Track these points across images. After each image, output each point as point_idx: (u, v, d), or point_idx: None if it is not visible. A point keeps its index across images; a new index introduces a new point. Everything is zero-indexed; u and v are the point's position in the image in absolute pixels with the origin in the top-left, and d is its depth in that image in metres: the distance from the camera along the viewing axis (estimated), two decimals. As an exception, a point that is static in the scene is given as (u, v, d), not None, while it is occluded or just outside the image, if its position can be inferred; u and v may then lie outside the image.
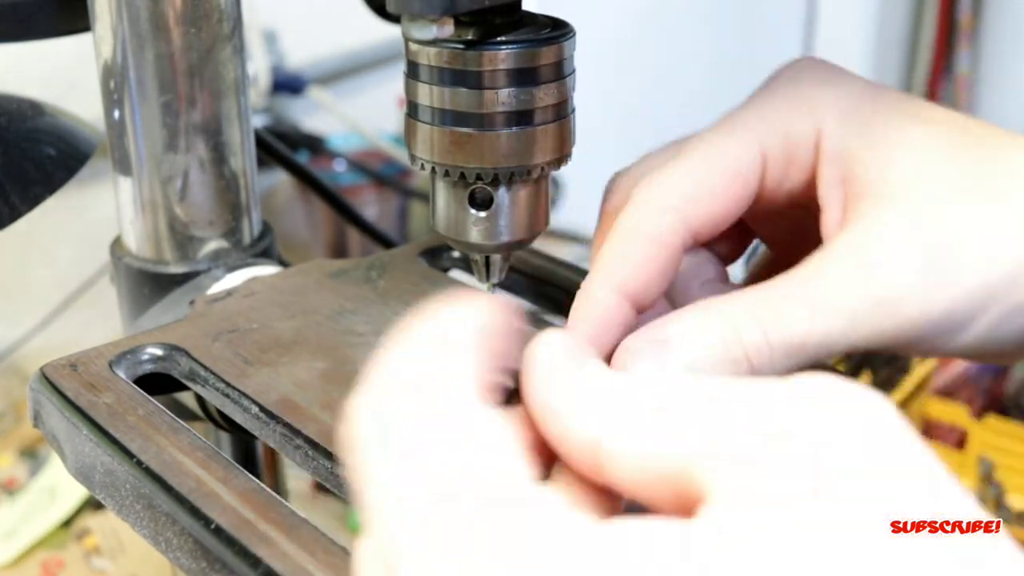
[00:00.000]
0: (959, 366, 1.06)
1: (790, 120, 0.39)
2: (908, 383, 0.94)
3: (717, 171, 0.38)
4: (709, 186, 0.38)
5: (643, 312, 0.38)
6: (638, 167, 0.42)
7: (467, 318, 0.29)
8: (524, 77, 0.40)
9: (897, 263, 0.35)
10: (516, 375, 0.30)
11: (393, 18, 0.40)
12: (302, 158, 1.19)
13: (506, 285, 0.53)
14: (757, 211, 0.40)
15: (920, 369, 0.96)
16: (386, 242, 0.76)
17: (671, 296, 0.41)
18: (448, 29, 0.38)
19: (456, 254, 0.57)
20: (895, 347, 0.37)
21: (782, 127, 0.39)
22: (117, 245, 0.57)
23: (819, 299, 0.35)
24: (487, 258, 0.45)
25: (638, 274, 0.37)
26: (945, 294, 0.35)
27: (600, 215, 0.43)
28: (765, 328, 0.35)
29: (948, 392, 1.04)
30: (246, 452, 0.57)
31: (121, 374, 0.45)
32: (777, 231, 0.45)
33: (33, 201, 0.55)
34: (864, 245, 0.36)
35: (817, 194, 0.39)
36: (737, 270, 0.97)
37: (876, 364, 0.92)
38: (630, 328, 0.37)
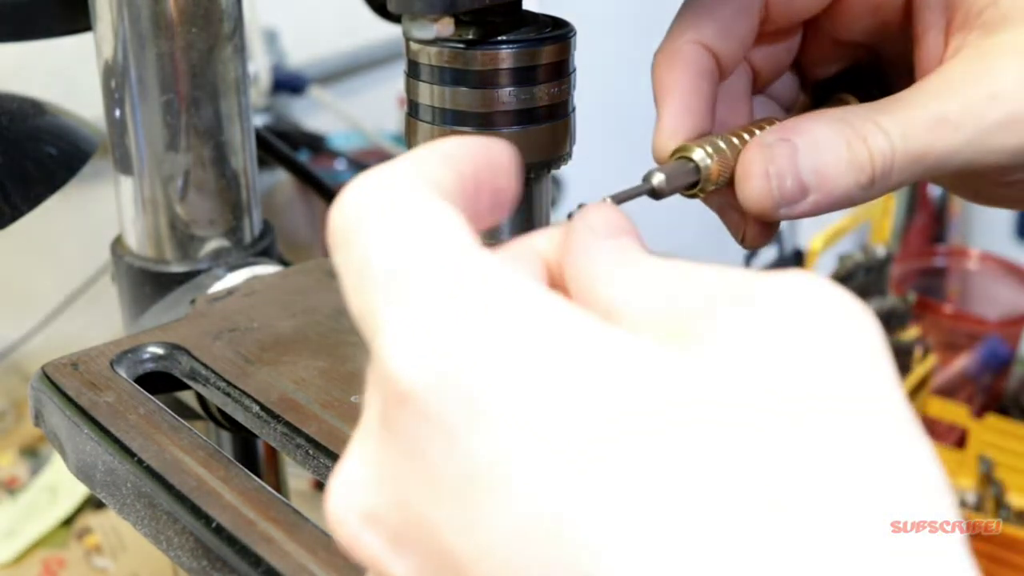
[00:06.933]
0: (959, 365, 1.06)
1: None
2: (908, 382, 0.94)
3: None
4: None
5: (725, 77, 0.41)
6: None
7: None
8: (525, 76, 0.40)
9: (1018, 85, 0.37)
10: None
11: (394, 17, 0.40)
12: (303, 157, 1.19)
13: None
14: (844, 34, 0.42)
15: (920, 368, 0.96)
16: (387, 241, 0.76)
17: None
18: (449, 28, 0.38)
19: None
20: (1009, 164, 0.38)
21: None
22: (118, 244, 0.57)
23: (943, 115, 0.37)
24: (487, 257, 0.45)
25: (724, 31, 0.40)
26: None
27: None
28: (890, 136, 0.37)
29: (948, 391, 1.04)
30: (247, 451, 0.57)
31: (122, 373, 0.45)
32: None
33: (34, 200, 0.55)
34: (985, 68, 0.37)
35: (914, 24, 0.41)
36: (739, 257, 0.97)
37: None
38: (716, 83, 0.40)
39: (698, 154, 0.39)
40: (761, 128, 0.40)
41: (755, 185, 0.37)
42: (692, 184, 0.39)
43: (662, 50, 0.41)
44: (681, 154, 0.39)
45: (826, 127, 0.37)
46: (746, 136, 0.40)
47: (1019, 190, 0.41)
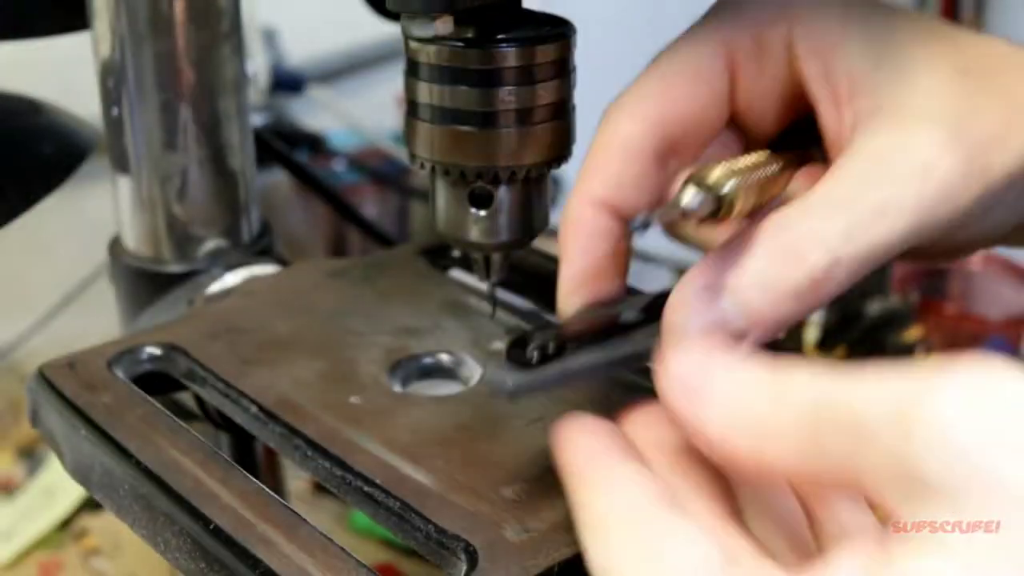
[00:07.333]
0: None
1: (759, 19, 0.38)
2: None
3: (681, 78, 0.39)
4: (673, 93, 0.38)
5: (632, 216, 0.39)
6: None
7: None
8: (524, 75, 0.40)
9: (939, 150, 0.35)
10: None
11: (393, 16, 0.39)
12: (302, 157, 1.19)
13: (506, 284, 0.53)
14: (755, 115, 0.40)
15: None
16: (385, 241, 0.76)
17: None
18: (448, 26, 0.38)
19: (456, 253, 0.57)
20: (962, 223, 0.36)
21: (751, 26, 0.38)
22: (115, 244, 0.57)
23: (882, 204, 0.34)
24: (487, 257, 0.45)
25: (615, 184, 0.38)
26: (977, 184, 0.35)
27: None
28: (829, 245, 0.34)
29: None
30: (245, 452, 0.57)
31: (120, 374, 0.45)
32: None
33: (31, 200, 0.55)
34: (901, 141, 0.35)
35: (808, 92, 0.38)
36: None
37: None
38: (616, 237, 0.39)
39: (728, 186, 0.35)
40: (770, 167, 0.37)
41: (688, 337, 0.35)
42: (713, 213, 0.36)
43: (563, 209, 0.40)
44: (701, 182, 0.35)
45: (758, 259, 0.34)
46: (761, 170, 0.37)
47: (985, 238, 0.39)
